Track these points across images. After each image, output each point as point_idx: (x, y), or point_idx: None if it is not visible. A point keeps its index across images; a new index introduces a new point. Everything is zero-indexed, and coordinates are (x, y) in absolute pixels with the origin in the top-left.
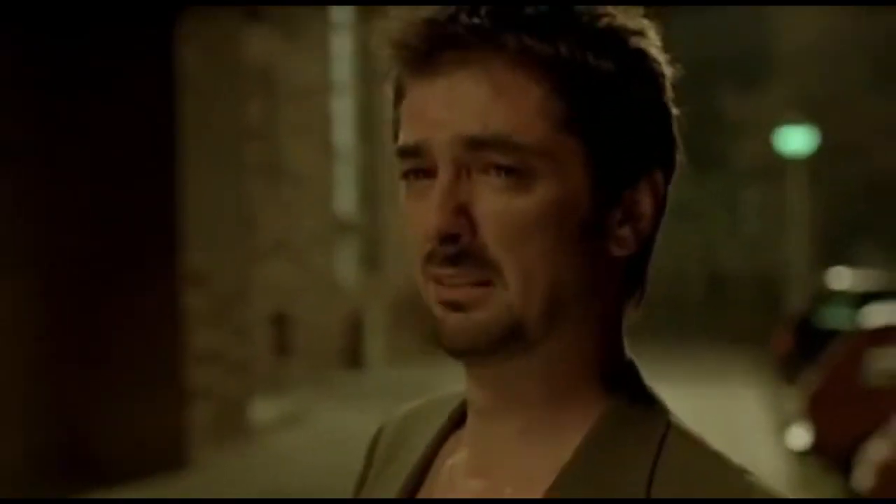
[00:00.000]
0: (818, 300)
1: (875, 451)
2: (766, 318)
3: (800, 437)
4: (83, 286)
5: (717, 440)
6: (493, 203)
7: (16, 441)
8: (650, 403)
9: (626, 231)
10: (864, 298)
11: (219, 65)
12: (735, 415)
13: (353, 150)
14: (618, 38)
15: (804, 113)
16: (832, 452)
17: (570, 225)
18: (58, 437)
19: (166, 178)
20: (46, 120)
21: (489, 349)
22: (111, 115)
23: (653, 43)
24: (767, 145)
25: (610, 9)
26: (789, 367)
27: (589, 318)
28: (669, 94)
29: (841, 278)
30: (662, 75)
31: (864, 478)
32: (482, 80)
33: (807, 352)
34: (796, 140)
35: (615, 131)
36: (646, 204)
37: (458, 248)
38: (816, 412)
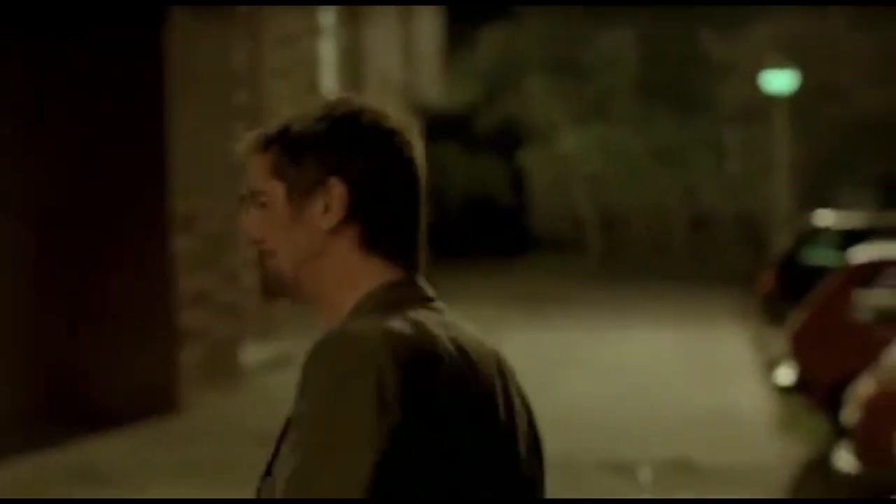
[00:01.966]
0: (802, 239)
1: (862, 387)
2: (750, 259)
3: (785, 375)
4: (73, 232)
5: (702, 378)
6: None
7: (8, 387)
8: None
9: (327, 214)
10: (849, 237)
11: (205, 10)
12: (720, 354)
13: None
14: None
15: (787, 55)
16: (817, 390)
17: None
18: (50, 382)
19: (155, 124)
20: (34, 68)
21: (286, 296)
22: (99, 63)
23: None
24: (751, 87)
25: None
26: (774, 307)
27: (325, 267)
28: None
29: (825, 218)
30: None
31: (851, 414)
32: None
33: (791, 291)
34: (779, 82)
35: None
36: (327, 199)
37: None
38: (801, 350)
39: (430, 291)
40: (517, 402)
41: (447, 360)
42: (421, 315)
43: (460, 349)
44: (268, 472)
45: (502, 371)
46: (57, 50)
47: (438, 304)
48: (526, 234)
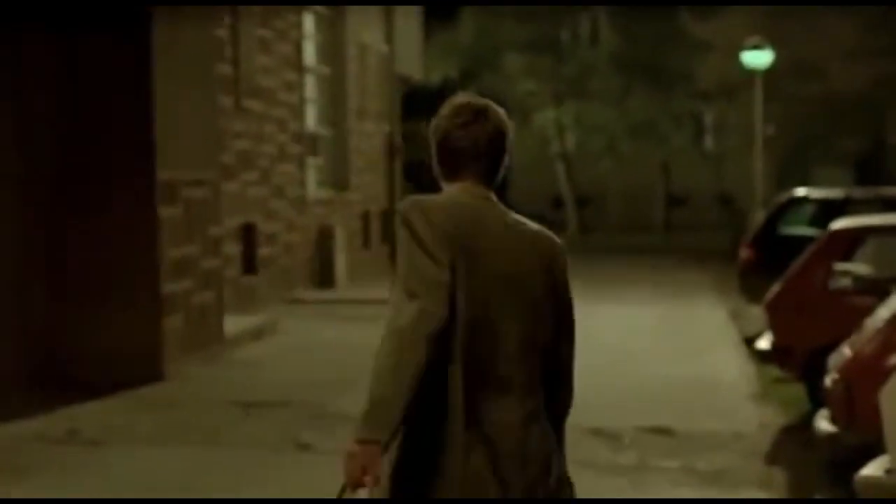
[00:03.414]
0: (780, 212)
1: (841, 354)
2: (728, 235)
3: (763, 344)
4: (57, 200)
5: (681, 350)
6: None
7: None
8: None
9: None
10: (826, 209)
11: None
12: (699, 327)
13: (319, 70)
14: None
15: (765, 32)
16: (795, 358)
17: None
18: (33, 350)
19: (139, 94)
20: (18, 37)
21: None
22: (85, 34)
23: None
24: (729, 65)
25: None
26: (752, 279)
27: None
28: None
29: (801, 192)
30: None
31: (830, 380)
32: None
33: (770, 263)
34: (756, 59)
35: None
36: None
37: None
38: (779, 319)
39: (479, 190)
40: (535, 260)
41: (449, 212)
42: (463, 197)
43: (473, 212)
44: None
45: (536, 245)
46: (44, 17)
47: (488, 202)
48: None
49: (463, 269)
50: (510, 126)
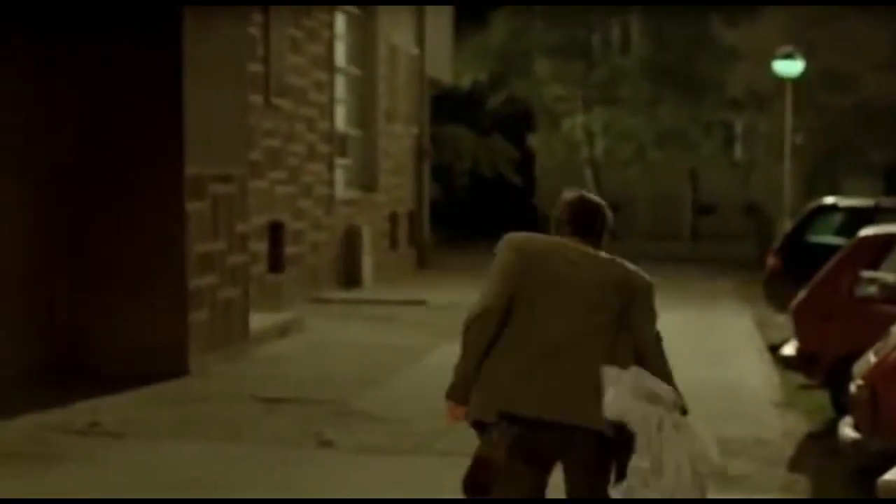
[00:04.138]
0: (808, 219)
1: (866, 361)
2: (756, 245)
3: (788, 351)
4: (83, 193)
5: (706, 356)
6: None
7: (16, 346)
8: None
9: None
10: (854, 217)
11: None
12: (725, 334)
13: (350, 71)
14: None
15: (796, 41)
16: (820, 366)
17: None
18: (58, 343)
19: (169, 88)
20: (49, 30)
21: None
22: (118, 27)
23: None
24: (759, 73)
25: None
26: (779, 287)
27: None
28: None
29: (829, 201)
30: None
31: (855, 388)
32: None
33: (796, 271)
34: (787, 68)
35: None
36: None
37: None
38: (805, 326)
39: (574, 240)
40: (601, 280)
41: (533, 246)
42: (551, 238)
43: (551, 246)
44: None
45: (607, 271)
46: (74, 13)
47: (573, 241)
48: (533, 216)
49: (528, 273)
50: (603, 206)
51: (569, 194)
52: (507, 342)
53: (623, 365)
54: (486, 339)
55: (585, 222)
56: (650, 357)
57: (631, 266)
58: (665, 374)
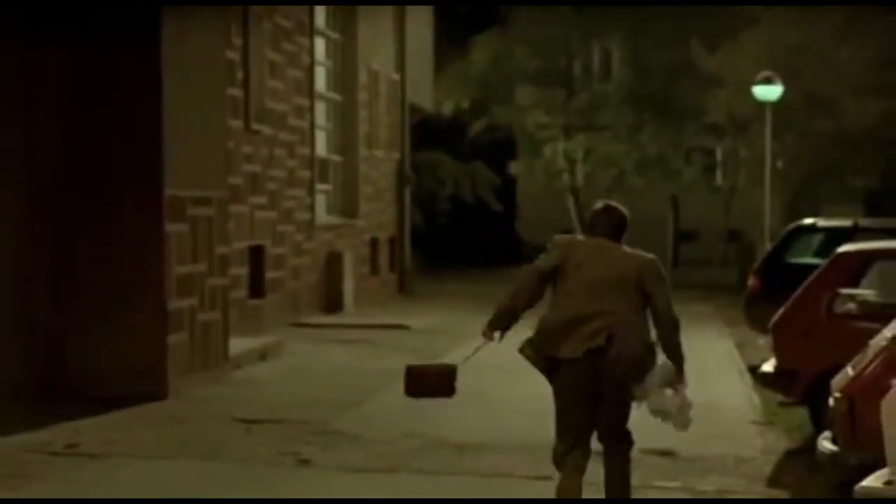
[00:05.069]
0: (787, 240)
1: (844, 376)
2: (737, 269)
3: (767, 369)
4: (64, 213)
5: (687, 376)
6: None
7: None
8: None
9: None
10: (832, 238)
11: (201, 8)
12: (705, 355)
13: (330, 95)
14: None
15: (775, 66)
16: (799, 383)
17: None
18: (37, 363)
19: (149, 111)
20: (32, 51)
21: None
22: (98, 51)
23: None
24: (739, 98)
25: None
26: (759, 308)
27: None
28: None
29: (808, 221)
30: None
31: (833, 402)
32: None
33: (776, 292)
34: (767, 93)
35: None
36: None
37: None
38: (783, 344)
39: (596, 238)
40: (626, 267)
41: (570, 243)
42: (580, 236)
43: (585, 242)
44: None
45: (630, 261)
46: (55, 33)
47: (607, 242)
48: (514, 241)
49: (568, 262)
50: (624, 212)
51: (599, 205)
52: (552, 309)
53: (641, 321)
54: (530, 287)
55: (611, 224)
56: (661, 324)
57: (643, 253)
58: (672, 345)
